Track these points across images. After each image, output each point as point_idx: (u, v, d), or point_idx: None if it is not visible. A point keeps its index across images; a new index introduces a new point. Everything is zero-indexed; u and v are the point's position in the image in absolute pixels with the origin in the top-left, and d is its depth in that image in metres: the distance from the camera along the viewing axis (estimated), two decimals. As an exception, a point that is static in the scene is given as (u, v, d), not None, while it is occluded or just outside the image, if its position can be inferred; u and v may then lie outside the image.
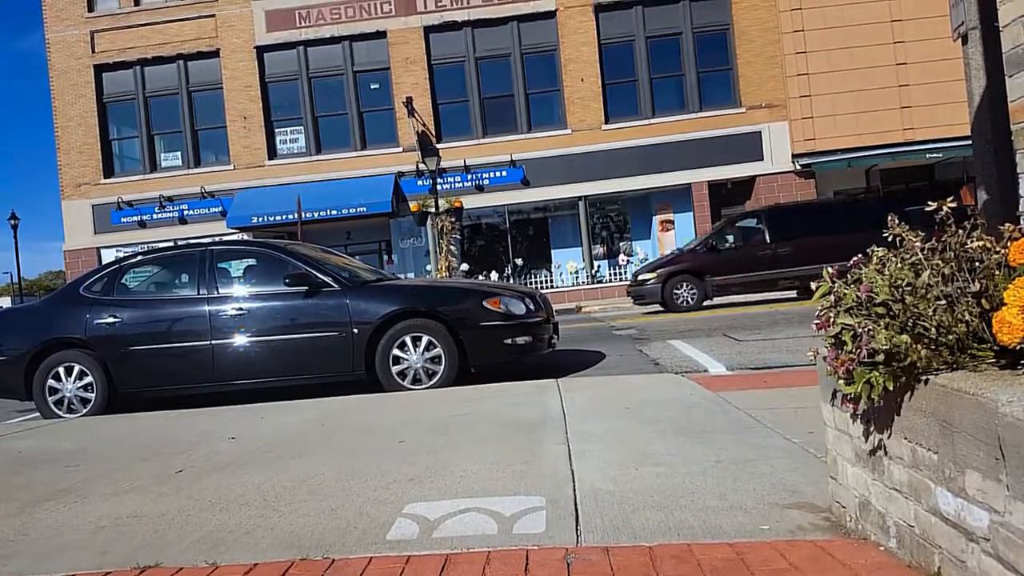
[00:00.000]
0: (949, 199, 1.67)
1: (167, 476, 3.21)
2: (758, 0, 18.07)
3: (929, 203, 1.69)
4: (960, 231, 1.63)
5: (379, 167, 18.47)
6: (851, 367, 1.66)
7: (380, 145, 18.71)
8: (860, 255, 1.80)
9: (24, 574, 2.16)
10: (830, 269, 1.85)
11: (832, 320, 1.73)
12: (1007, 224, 1.62)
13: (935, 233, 1.66)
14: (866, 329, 1.59)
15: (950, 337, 1.54)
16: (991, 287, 1.53)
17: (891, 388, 1.61)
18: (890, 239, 1.74)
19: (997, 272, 1.55)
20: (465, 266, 18.44)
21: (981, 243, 1.59)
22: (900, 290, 1.60)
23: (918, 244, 1.64)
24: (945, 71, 15.83)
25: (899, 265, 1.64)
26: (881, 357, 1.57)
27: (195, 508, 2.67)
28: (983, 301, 1.53)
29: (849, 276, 1.78)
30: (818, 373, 2.10)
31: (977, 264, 1.59)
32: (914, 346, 1.54)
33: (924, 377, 1.56)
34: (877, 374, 1.60)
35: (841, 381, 1.73)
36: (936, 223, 1.67)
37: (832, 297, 1.78)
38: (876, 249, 1.74)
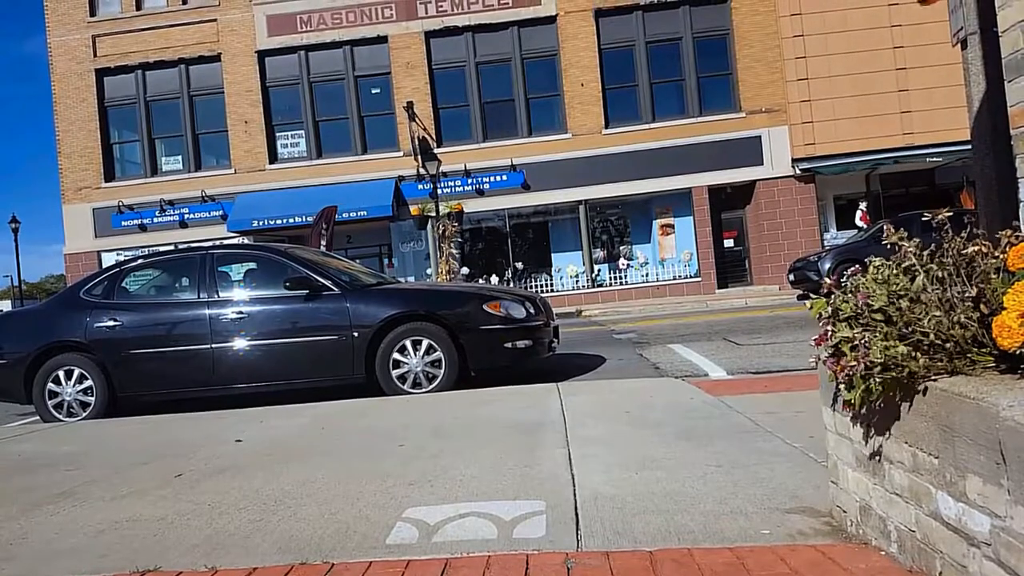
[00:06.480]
0: (946, 208, 1.69)
1: (166, 480, 3.20)
2: (758, 5, 18.12)
3: (925, 213, 1.70)
4: (958, 236, 1.64)
5: (380, 171, 18.48)
6: (851, 373, 1.66)
7: (381, 149, 18.73)
8: (858, 264, 1.81)
9: (23, 578, 2.15)
10: (828, 280, 1.87)
11: (831, 334, 1.74)
12: (1005, 230, 1.62)
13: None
14: (863, 341, 1.60)
15: (948, 345, 1.54)
16: (989, 292, 1.53)
17: (891, 395, 1.61)
18: (888, 246, 1.75)
19: (994, 276, 1.56)
20: (465, 270, 18.44)
21: (977, 248, 1.60)
22: (896, 296, 1.60)
23: (911, 249, 1.65)
24: (945, 76, 15.86)
25: (894, 271, 1.65)
26: (878, 369, 1.58)
27: (194, 512, 2.66)
28: (981, 306, 1.54)
29: (849, 285, 1.79)
30: (819, 377, 2.10)
31: (975, 269, 1.59)
32: (912, 354, 1.54)
33: (924, 382, 1.56)
34: (875, 382, 1.61)
35: (842, 387, 1.74)
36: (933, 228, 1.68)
37: (830, 309, 1.78)
38: (874, 259, 1.75)
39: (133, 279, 6.34)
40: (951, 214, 1.68)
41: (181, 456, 3.71)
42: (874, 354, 1.56)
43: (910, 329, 1.57)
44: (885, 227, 1.73)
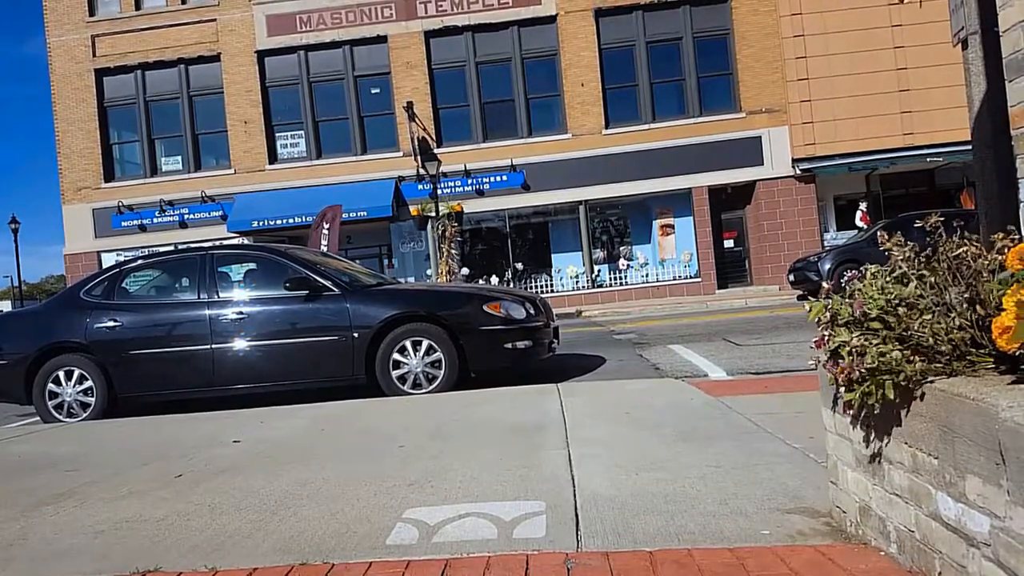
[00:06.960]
0: (937, 213, 1.70)
1: (167, 480, 3.21)
2: (758, 5, 18.12)
3: (917, 221, 1.72)
4: (952, 239, 1.65)
5: (379, 171, 18.48)
6: (851, 375, 1.67)
7: (381, 149, 18.73)
8: (856, 270, 1.82)
9: (23, 579, 2.15)
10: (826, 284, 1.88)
11: (829, 338, 1.74)
12: (998, 234, 1.63)
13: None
14: (857, 347, 1.61)
15: (947, 349, 1.54)
16: (985, 294, 1.54)
17: (891, 396, 1.62)
18: (885, 252, 1.76)
19: (988, 278, 1.56)
20: (465, 270, 18.43)
21: (966, 249, 1.61)
22: (893, 303, 1.60)
23: (903, 257, 1.66)
24: (945, 76, 15.86)
25: (888, 278, 1.66)
26: (874, 374, 1.58)
27: (194, 513, 2.67)
28: (977, 307, 1.54)
29: (847, 289, 1.79)
30: (819, 378, 2.10)
31: (969, 270, 1.60)
32: (909, 356, 1.55)
33: (924, 383, 1.56)
34: (874, 386, 1.61)
35: (842, 389, 1.74)
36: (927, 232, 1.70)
37: (828, 313, 1.79)
38: (869, 266, 1.76)
39: (133, 280, 6.34)
40: (943, 219, 1.69)
41: (181, 457, 3.71)
42: (868, 360, 1.57)
43: (908, 334, 1.57)
44: (879, 234, 1.74)
